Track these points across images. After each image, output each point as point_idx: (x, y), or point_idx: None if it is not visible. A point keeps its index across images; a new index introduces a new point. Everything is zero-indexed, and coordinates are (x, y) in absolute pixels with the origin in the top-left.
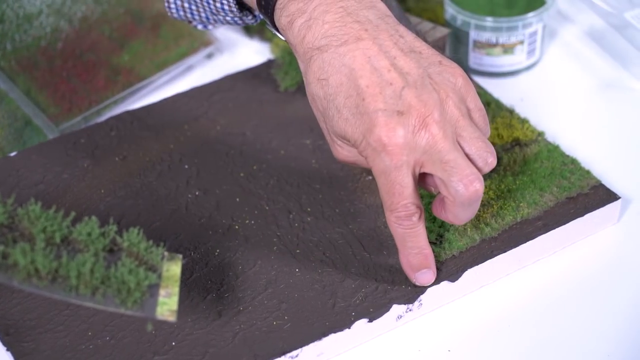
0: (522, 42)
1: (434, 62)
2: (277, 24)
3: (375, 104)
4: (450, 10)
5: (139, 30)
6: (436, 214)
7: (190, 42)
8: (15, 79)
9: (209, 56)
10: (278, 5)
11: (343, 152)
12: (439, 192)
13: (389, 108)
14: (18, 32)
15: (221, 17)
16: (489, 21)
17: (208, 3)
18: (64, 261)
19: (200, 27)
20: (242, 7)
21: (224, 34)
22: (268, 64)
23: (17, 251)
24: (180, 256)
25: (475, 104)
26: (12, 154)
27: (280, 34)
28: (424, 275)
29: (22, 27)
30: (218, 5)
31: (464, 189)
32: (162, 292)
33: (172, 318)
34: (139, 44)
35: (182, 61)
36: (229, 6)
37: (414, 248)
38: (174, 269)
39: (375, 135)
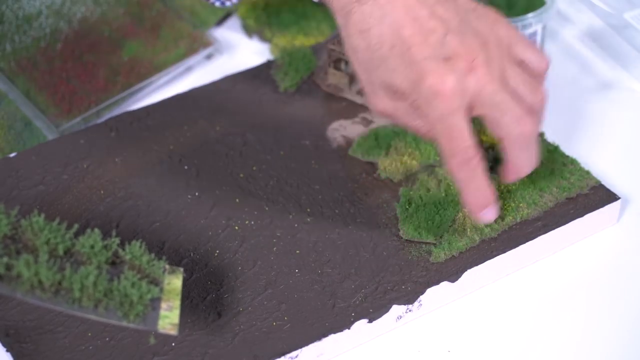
0: None
1: (469, 9)
2: None
3: (421, 52)
4: None
5: (139, 31)
6: (502, 179)
7: (189, 43)
8: (15, 80)
9: (209, 57)
10: None
11: (383, 103)
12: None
13: (436, 55)
14: (17, 33)
15: None
16: None
17: None
18: (67, 274)
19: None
20: None
21: (224, 35)
22: (267, 65)
23: (21, 263)
24: (182, 269)
25: (516, 37)
26: (12, 155)
27: None
28: (489, 212)
29: (22, 28)
30: None
31: (516, 125)
32: (163, 305)
33: (173, 332)
34: (139, 45)
35: (181, 62)
36: None
37: (477, 189)
38: (175, 282)
39: (427, 83)
